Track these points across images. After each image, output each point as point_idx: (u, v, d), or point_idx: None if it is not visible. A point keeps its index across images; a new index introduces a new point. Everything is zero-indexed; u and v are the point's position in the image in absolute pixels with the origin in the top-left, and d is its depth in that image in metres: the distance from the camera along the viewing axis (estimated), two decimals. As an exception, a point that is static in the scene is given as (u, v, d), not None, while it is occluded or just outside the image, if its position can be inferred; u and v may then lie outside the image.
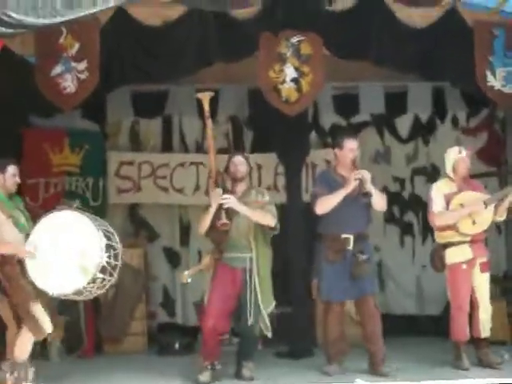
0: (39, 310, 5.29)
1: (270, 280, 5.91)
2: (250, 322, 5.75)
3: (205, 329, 5.79)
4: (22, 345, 5.30)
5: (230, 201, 5.66)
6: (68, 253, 5.14)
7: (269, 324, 5.86)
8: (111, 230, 5.35)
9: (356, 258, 5.82)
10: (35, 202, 7.75)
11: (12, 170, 5.55)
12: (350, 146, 5.94)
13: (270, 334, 5.92)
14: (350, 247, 5.87)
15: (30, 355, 5.43)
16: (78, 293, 5.25)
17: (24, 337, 5.30)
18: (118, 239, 5.32)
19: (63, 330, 7.18)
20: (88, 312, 7.28)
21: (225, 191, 5.81)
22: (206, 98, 5.96)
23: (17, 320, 5.32)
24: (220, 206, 5.68)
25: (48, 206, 7.45)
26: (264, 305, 5.79)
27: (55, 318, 5.67)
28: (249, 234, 5.80)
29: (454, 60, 6.61)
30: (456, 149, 6.22)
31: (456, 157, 6.15)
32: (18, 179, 5.59)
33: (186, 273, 5.97)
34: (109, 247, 5.19)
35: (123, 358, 7.05)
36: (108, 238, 5.22)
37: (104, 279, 5.22)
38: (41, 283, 5.17)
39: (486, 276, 6.10)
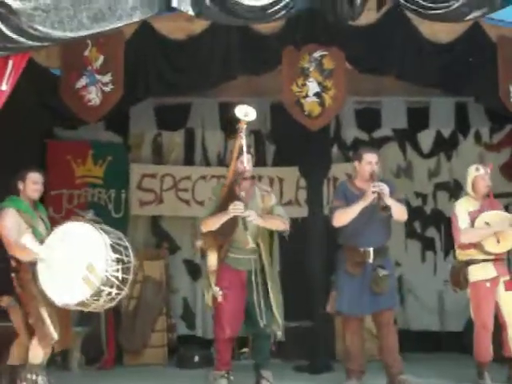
0: (48, 319, 5.28)
1: (277, 277, 5.88)
2: (263, 323, 5.67)
3: (221, 338, 5.73)
4: (35, 348, 5.32)
5: (253, 217, 5.59)
6: (75, 265, 5.13)
7: (281, 323, 5.78)
8: (125, 243, 5.31)
9: (376, 273, 5.75)
10: (58, 213, 7.82)
11: (32, 177, 5.56)
12: (369, 158, 5.85)
13: (280, 334, 5.84)
14: (370, 260, 5.81)
15: (47, 363, 5.47)
16: (84, 305, 5.24)
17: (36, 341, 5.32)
18: (131, 253, 5.29)
19: (83, 341, 7.21)
20: (109, 323, 7.31)
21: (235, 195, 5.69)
22: (243, 120, 5.63)
23: (27, 328, 5.34)
24: (234, 220, 5.60)
25: (71, 217, 7.57)
26: (277, 306, 5.73)
27: (69, 329, 5.61)
28: (257, 237, 5.75)
29: (477, 75, 6.58)
30: (473, 167, 6.15)
31: (474, 175, 6.08)
32: (39, 187, 5.59)
33: (218, 290, 5.69)
34: (118, 261, 5.16)
35: (143, 370, 7.08)
36: (118, 252, 5.19)
37: (110, 293, 5.19)
38: (49, 292, 5.19)
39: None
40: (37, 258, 5.21)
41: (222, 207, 5.63)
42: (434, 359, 7.37)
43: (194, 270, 8.32)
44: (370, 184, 5.73)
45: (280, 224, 5.75)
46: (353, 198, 5.82)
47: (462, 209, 6.06)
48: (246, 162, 5.78)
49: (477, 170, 6.09)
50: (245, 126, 5.54)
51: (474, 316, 6.09)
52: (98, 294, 5.15)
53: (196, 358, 7.35)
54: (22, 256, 5.29)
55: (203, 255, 5.90)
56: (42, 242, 5.35)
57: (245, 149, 5.62)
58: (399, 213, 5.82)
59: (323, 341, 6.97)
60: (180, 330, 8.13)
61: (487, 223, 5.96)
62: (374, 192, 5.64)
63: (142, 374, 6.89)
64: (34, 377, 5.29)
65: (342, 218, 5.76)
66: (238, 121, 5.54)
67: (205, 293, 5.83)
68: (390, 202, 5.67)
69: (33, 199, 5.58)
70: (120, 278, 5.18)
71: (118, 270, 5.16)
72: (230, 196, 5.66)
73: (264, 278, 5.74)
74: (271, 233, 5.84)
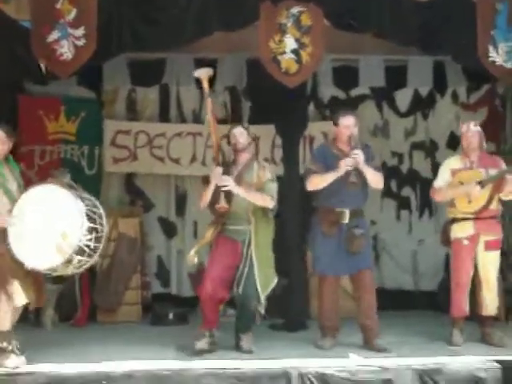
0: (14, 281, 5.20)
1: (269, 254, 5.89)
2: (240, 291, 5.73)
3: (202, 295, 5.75)
4: (2, 314, 5.23)
5: (229, 184, 5.63)
6: (48, 230, 5.08)
7: (263, 300, 5.81)
8: (100, 211, 5.27)
9: (351, 232, 5.82)
10: (31, 170, 7.71)
11: None
12: (346, 122, 5.91)
13: (262, 311, 5.89)
14: (346, 221, 5.86)
15: (19, 320, 5.42)
16: (52, 270, 5.22)
17: (3, 306, 5.23)
18: (104, 221, 5.26)
19: (57, 299, 7.17)
20: (83, 281, 7.25)
21: (227, 164, 5.80)
22: (204, 77, 5.85)
23: None
24: (218, 187, 5.66)
25: (43, 174, 7.47)
26: (260, 280, 5.74)
27: (42, 287, 5.53)
28: (248, 208, 5.77)
29: (455, 34, 6.52)
30: (462, 125, 6.25)
31: (461, 132, 6.20)
32: (4, 147, 5.34)
33: (192, 253, 5.82)
34: (92, 230, 5.12)
35: (117, 328, 7.05)
36: (93, 220, 5.15)
37: (81, 260, 5.18)
38: (18, 253, 5.11)
39: (493, 254, 6.02)
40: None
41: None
42: (407, 317, 7.43)
43: (169, 228, 8.28)
44: (348, 146, 5.80)
45: (260, 199, 5.73)
46: (332, 159, 5.87)
47: (444, 167, 6.19)
48: (239, 134, 5.77)
49: (462, 127, 6.20)
50: (207, 84, 5.76)
51: (451, 272, 6.16)
52: (68, 261, 5.12)
53: (170, 316, 7.35)
54: None
55: None
56: (14, 200, 5.23)
57: (210, 110, 5.79)
58: (375, 181, 5.91)
59: (298, 299, 6.97)
60: (154, 287, 8.11)
61: (460, 182, 6.01)
62: (347, 166, 5.71)
63: (116, 331, 6.87)
64: (4, 344, 5.22)
65: (316, 183, 5.88)
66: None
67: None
68: (365, 170, 5.75)
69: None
70: (92, 246, 5.15)
71: (90, 240, 5.12)
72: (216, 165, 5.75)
73: (253, 249, 5.76)
74: (263, 208, 5.81)
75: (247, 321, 5.93)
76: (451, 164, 6.16)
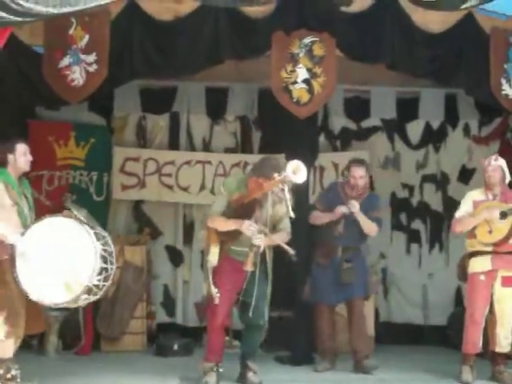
0: (16, 308, 5.07)
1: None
2: (251, 313, 5.53)
3: (214, 326, 5.57)
4: (3, 343, 5.06)
5: (261, 243, 5.44)
6: (59, 265, 4.89)
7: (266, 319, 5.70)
8: (111, 248, 5.08)
9: (341, 265, 6.26)
10: (38, 195, 7.65)
11: (22, 148, 5.27)
12: (353, 172, 6.34)
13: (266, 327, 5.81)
14: (337, 256, 6.30)
15: (22, 348, 5.30)
16: (56, 305, 5.10)
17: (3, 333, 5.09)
18: (114, 259, 5.09)
19: (60, 326, 7.09)
20: (87, 309, 7.16)
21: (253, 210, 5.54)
22: (289, 180, 5.35)
23: None
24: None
25: (51, 199, 7.42)
26: (267, 298, 5.66)
27: (40, 312, 5.37)
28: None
29: (468, 67, 6.53)
30: (484, 159, 6.17)
31: (483, 166, 6.11)
32: (29, 157, 5.30)
33: (215, 291, 5.47)
34: (102, 270, 4.96)
35: (120, 357, 6.95)
36: (104, 260, 4.99)
37: (87, 298, 5.05)
38: (24, 284, 4.93)
39: (510, 290, 5.86)
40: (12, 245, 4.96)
41: (234, 212, 5.47)
42: (415, 352, 7.33)
43: (176, 257, 8.20)
44: (355, 193, 6.32)
45: (280, 240, 5.55)
46: (336, 201, 6.31)
47: (467, 198, 6.09)
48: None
49: (483, 162, 6.13)
50: (287, 186, 5.33)
51: (466, 307, 6.08)
52: (75, 300, 4.99)
53: (175, 347, 7.22)
54: None
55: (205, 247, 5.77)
56: (25, 226, 5.07)
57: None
58: (367, 228, 6.32)
59: (304, 332, 6.85)
60: (160, 317, 8.00)
61: None
62: (342, 212, 6.23)
63: (120, 360, 6.77)
64: (1, 372, 5.07)
65: (315, 220, 6.44)
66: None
67: (204, 283, 5.73)
68: (359, 217, 6.21)
69: (23, 172, 5.28)
70: (100, 286, 5.00)
71: (99, 280, 4.96)
72: (248, 209, 5.47)
73: (265, 270, 5.62)
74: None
75: (256, 342, 5.79)
76: (474, 196, 6.05)
